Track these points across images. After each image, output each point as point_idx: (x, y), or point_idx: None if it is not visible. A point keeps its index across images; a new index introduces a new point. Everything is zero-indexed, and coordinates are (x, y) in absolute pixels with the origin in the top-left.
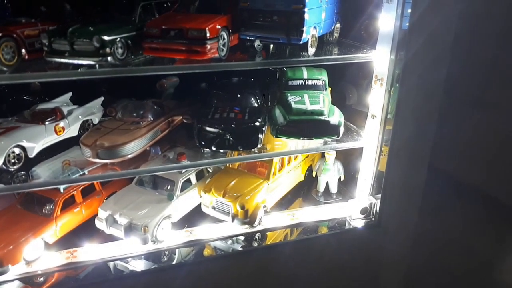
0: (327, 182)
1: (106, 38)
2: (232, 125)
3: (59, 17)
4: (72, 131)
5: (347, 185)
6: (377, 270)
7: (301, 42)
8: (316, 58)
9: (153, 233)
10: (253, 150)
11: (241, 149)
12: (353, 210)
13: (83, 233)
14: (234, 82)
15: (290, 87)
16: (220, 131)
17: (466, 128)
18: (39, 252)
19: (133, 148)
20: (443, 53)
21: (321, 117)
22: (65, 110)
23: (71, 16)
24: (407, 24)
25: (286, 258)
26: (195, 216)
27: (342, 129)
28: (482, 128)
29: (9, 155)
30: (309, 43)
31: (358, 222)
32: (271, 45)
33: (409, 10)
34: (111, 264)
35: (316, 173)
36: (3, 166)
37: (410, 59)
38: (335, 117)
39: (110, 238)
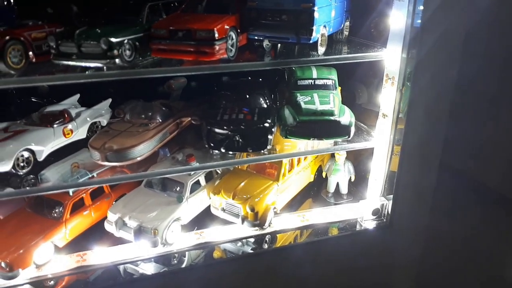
0: (338, 183)
1: (113, 40)
2: (242, 126)
3: (65, 19)
4: (80, 133)
5: (357, 185)
6: (389, 273)
7: (311, 42)
8: (326, 57)
9: (163, 236)
10: (262, 151)
11: (251, 151)
12: (364, 211)
13: (92, 236)
14: (242, 82)
15: (299, 87)
16: (229, 132)
17: (480, 127)
18: (49, 256)
19: (142, 150)
20: (456, 50)
21: (332, 118)
22: (73, 112)
23: (78, 18)
24: (419, 21)
25: (296, 260)
26: (204, 218)
27: (353, 129)
28: (497, 127)
29: (18, 159)
30: (319, 42)
31: (370, 224)
32: (279, 44)
33: (421, 7)
34: (121, 267)
35: (326, 174)
36: (12, 170)
37: (422, 58)
38: (346, 117)
39: (120, 241)
